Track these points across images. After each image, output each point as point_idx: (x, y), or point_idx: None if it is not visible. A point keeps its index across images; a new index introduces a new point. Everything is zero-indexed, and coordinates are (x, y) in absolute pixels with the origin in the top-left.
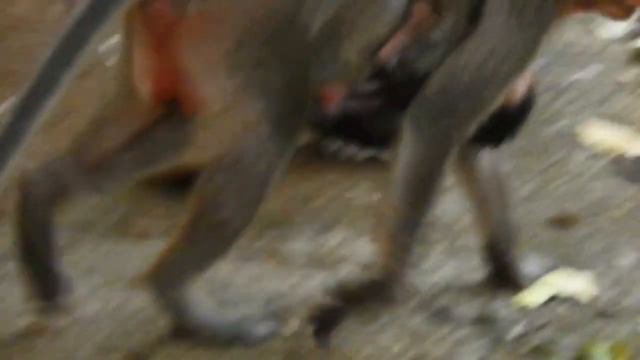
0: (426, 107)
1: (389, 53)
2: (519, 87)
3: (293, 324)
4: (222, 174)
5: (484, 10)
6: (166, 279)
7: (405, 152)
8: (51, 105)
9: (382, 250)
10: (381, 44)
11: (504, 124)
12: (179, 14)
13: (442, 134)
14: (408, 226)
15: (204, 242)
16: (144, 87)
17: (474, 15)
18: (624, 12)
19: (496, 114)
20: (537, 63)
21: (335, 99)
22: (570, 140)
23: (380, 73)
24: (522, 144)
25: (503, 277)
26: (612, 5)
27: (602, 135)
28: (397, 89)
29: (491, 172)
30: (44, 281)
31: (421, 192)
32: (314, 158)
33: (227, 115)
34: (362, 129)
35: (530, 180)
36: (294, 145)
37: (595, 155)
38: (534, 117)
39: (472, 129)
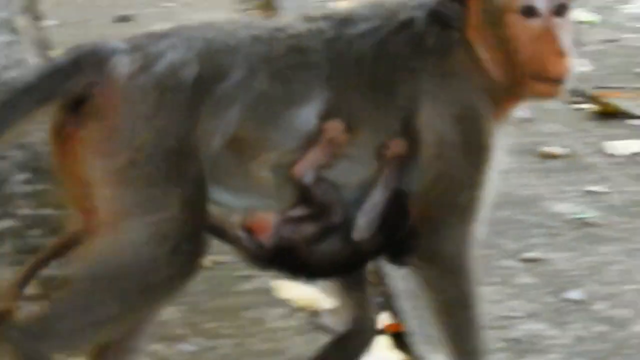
0: (422, 236)
1: (301, 169)
2: None
3: None
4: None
5: (419, 125)
6: (33, 334)
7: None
8: None
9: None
10: (294, 161)
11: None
12: (81, 133)
13: (450, 251)
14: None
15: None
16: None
17: (410, 130)
18: (554, 88)
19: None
20: None
21: (268, 230)
22: (267, 297)
23: (303, 195)
24: (219, 303)
25: None
26: (539, 83)
27: (297, 291)
28: (325, 211)
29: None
30: None
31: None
32: None
33: (116, 229)
34: (299, 258)
35: (228, 338)
36: (191, 266)
37: (294, 311)
38: (231, 274)
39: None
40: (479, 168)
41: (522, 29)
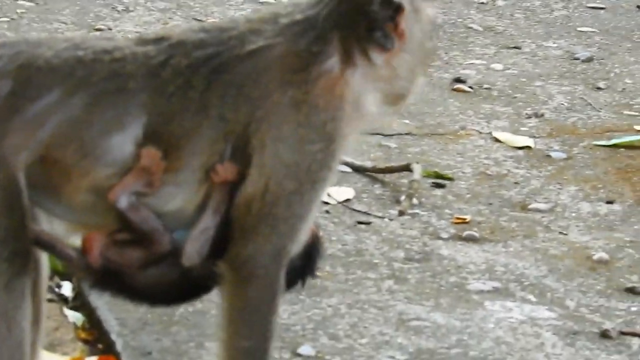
0: (235, 242)
1: (115, 194)
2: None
3: None
4: None
5: (250, 149)
6: None
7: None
8: None
9: None
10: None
11: (295, 269)
12: None
13: (270, 259)
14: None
15: None
16: None
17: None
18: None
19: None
20: None
21: (93, 250)
22: None
23: (120, 219)
24: None
25: None
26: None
27: None
28: (149, 238)
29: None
30: None
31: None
32: None
33: None
34: (126, 282)
35: None
36: (16, 270)
37: None
38: None
39: (292, 248)
40: (310, 190)
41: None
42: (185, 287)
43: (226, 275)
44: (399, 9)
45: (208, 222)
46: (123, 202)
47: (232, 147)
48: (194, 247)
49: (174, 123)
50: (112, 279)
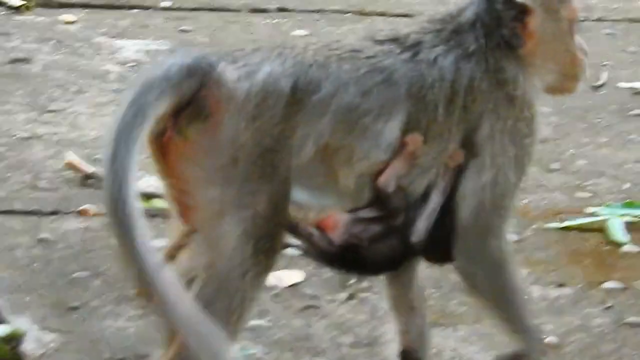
0: (470, 236)
1: (386, 179)
2: None
3: None
4: (209, 287)
5: (480, 137)
6: None
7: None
8: None
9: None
10: (379, 171)
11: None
12: (182, 137)
13: (496, 248)
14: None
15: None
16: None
17: (469, 143)
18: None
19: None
20: None
21: (339, 228)
22: None
23: (378, 200)
24: None
25: None
26: (575, 82)
27: None
28: (394, 214)
29: (417, 287)
30: None
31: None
32: None
33: (215, 224)
34: (360, 255)
35: None
36: (267, 264)
37: None
38: None
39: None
40: (521, 183)
41: (575, 35)
42: (401, 259)
43: (470, 268)
44: (526, 10)
45: (436, 203)
46: (391, 186)
47: (464, 133)
48: (424, 225)
49: (428, 111)
50: (348, 254)
